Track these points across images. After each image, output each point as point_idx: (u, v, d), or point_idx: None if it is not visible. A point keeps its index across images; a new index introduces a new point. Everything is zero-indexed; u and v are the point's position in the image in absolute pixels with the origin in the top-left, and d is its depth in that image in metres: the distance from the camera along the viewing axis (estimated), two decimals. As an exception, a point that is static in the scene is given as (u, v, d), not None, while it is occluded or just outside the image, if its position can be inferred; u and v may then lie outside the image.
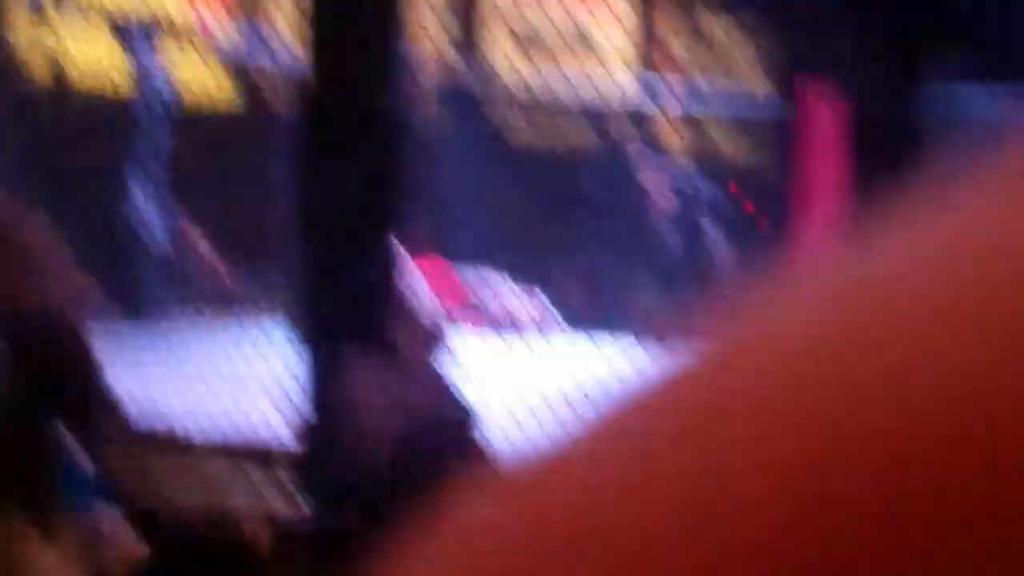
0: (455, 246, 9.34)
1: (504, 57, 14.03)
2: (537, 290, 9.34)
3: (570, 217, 9.99)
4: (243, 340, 5.78)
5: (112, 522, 3.82)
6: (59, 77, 7.10)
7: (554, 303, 9.48)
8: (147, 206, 8.44)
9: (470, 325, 8.67)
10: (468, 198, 10.06)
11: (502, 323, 8.99)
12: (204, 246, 9.31)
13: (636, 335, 8.54)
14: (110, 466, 4.23)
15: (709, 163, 10.21)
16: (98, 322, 4.43)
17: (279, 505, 4.40)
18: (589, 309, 10.13)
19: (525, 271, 9.40)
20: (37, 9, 7.03)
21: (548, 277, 9.58)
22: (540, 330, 9.09)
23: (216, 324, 8.06)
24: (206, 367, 5.49)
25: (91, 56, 8.37)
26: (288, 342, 5.16)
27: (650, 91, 10.84)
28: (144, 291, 8.48)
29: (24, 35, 7.34)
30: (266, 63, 11.73)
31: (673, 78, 11.53)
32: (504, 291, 9.27)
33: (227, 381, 5.27)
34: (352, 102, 4.73)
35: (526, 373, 5.11)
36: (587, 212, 9.97)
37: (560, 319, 9.28)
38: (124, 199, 8.33)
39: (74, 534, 3.54)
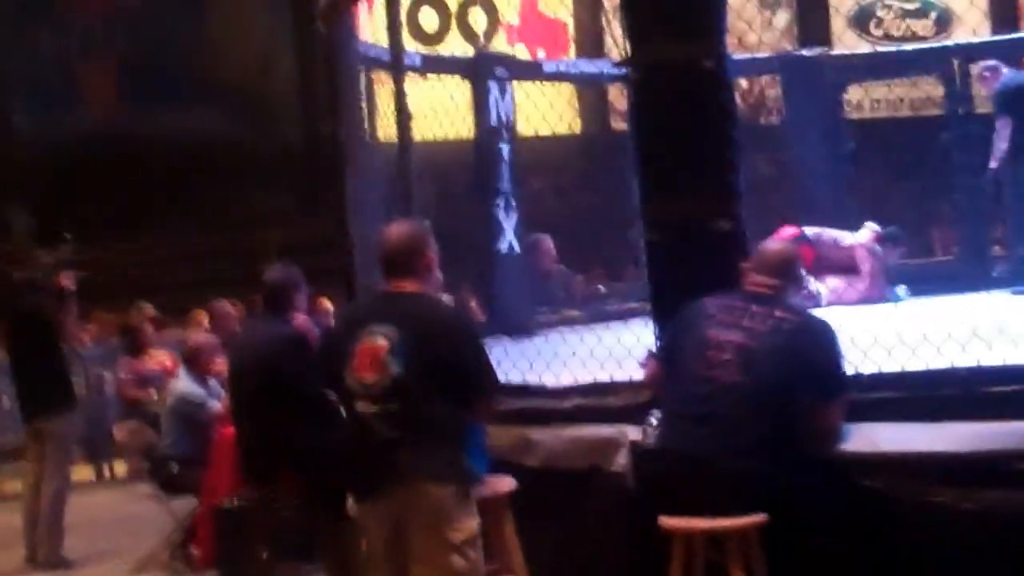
0: (810, 213, 9.57)
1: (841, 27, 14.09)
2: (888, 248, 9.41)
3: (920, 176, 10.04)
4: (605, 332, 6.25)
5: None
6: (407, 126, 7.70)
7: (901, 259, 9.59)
8: (507, 227, 9.06)
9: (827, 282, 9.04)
10: (814, 166, 10.31)
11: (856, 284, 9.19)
12: (556, 257, 9.99)
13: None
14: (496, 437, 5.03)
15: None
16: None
17: (635, 433, 4.90)
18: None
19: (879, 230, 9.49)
20: (399, 69, 7.64)
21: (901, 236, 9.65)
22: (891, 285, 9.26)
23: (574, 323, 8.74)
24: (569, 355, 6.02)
25: (443, 102, 9.06)
26: (641, 323, 5.66)
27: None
28: (509, 301, 9.07)
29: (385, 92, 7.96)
30: (599, 84, 12.34)
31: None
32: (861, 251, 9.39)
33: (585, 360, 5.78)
34: (680, 89, 5.00)
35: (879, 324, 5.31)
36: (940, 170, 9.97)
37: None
38: (488, 224, 8.99)
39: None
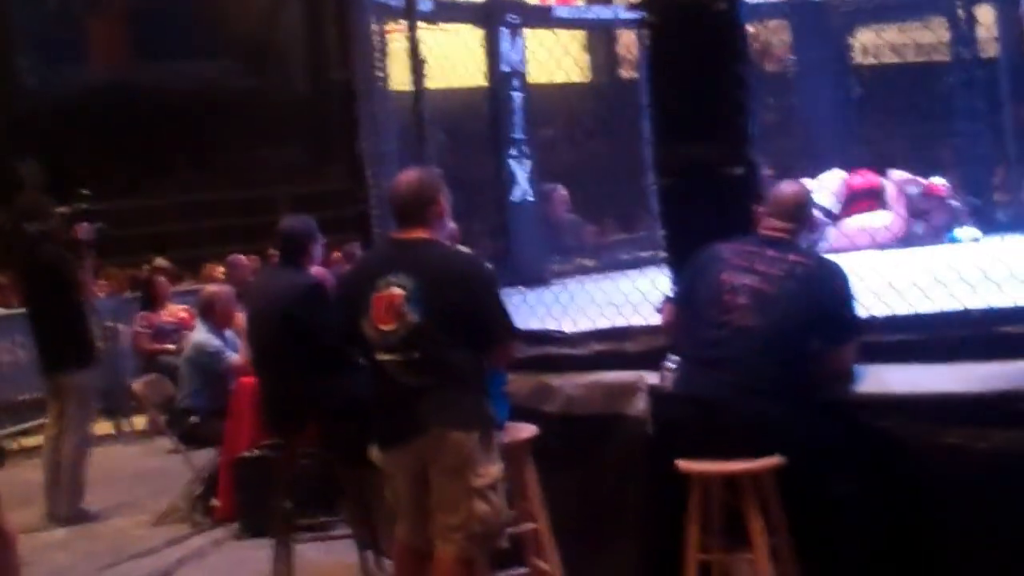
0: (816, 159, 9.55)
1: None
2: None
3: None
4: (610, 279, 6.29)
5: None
6: (420, 74, 7.66)
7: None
8: (520, 176, 9.05)
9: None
10: (822, 111, 10.29)
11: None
12: (569, 206, 9.97)
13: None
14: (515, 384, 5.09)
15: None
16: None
17: (653, 378, 4.94)
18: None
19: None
20: (411, 17, 7.61)
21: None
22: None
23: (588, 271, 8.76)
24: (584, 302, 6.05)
25: (455, 50, 9.02)
26: (654, 270, 5.69)
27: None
28: (524, 250, 9.06)
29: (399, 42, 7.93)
30: (611, 29, 12.25)
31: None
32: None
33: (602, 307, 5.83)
34: (694, 32, 4.98)
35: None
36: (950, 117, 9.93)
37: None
38: (502, 173, 8.97)
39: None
